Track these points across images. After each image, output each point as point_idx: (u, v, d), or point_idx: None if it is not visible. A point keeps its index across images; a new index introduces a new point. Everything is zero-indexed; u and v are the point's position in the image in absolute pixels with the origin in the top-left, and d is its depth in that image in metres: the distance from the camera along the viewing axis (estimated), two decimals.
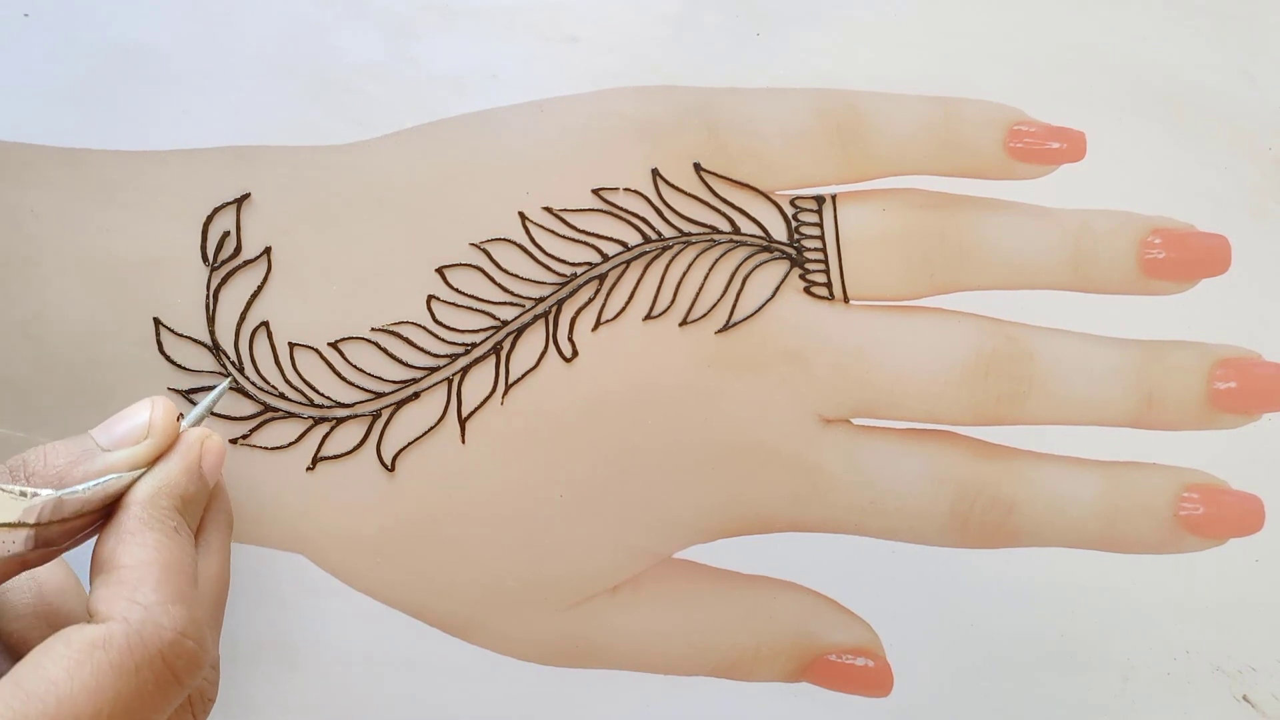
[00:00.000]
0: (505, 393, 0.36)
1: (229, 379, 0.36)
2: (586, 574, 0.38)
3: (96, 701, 0.25)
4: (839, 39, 0.38)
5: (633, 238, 0.37)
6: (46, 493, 0.29)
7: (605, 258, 0.37)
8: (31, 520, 0.28)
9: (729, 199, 0.37)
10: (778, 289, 0.37)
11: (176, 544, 0.29)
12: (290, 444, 0.37)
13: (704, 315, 0.37)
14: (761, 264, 0.37)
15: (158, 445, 0.30)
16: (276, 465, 0.36)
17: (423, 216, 0.37)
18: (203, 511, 0.31)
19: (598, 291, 0.37)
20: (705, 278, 0.37)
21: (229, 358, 0.37)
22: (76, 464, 0.29)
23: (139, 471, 0.30)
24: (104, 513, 0.30)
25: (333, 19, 0.37)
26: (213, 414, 0.37)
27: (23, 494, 0.28)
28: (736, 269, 0.37)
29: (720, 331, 0.37)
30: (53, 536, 0.29)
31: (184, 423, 0.32)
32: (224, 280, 0.37)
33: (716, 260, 0.37)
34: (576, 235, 0.37)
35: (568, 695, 0.38)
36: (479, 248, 0.37)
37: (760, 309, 0.37)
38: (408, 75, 0.37)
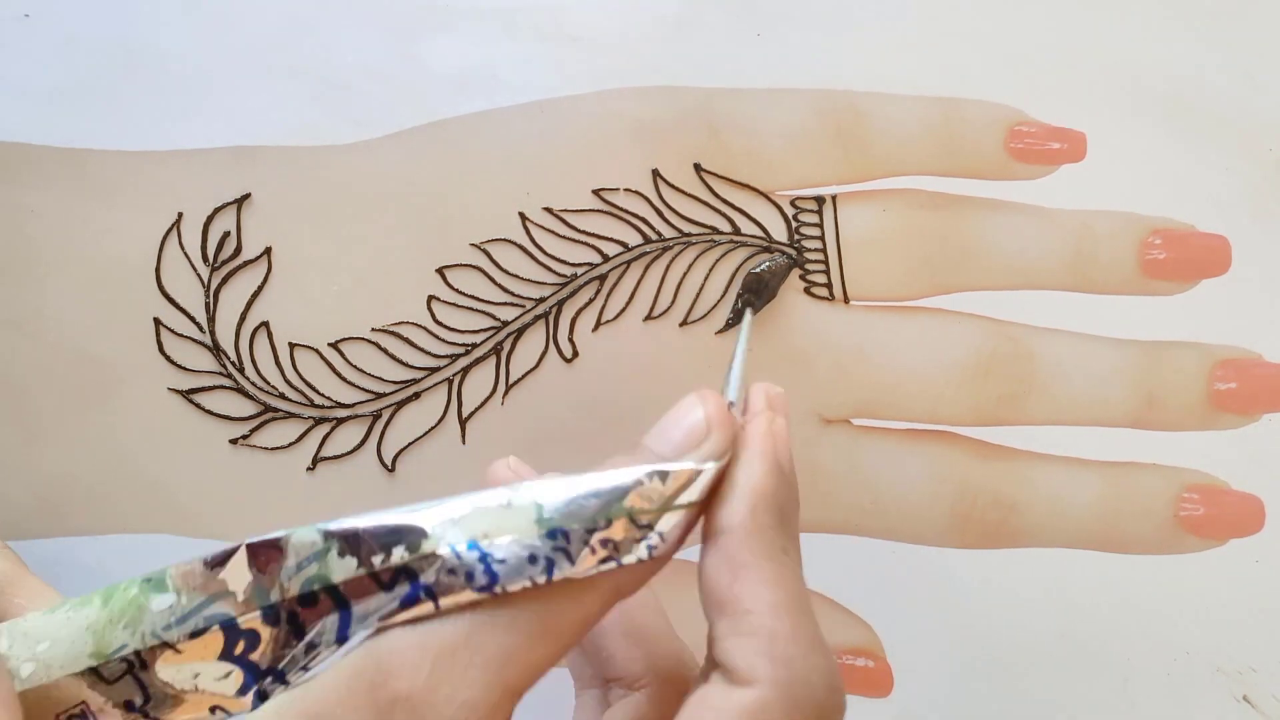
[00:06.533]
0: (506, 393, 0.36)
1: (749, 314, 0.35)
2: None
3: None
4: (839, 39, 0.38)
5: (633, 238, 0.37)
6: (710, 465, 0.24)
7: (605, 258, 0.37)
8: (694, 498, 0.24)
9: (729, 199, 0.37)
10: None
11: (791, 572, 0.25)
12: (290, 444, 0.36)
13: (704, 316, 0.37)
14: None
15: (726, 436, 0.25)
16: (277, 466, 0.36)
17: (423, 216, 0.37)
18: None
19: (598, 292, 0.37)
20: (705, 278, 0.37)
21: (229, 358, 0.37)
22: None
23: (723, 461, 0.25)
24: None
25: (333, 19, 0.37)
26: (211, 414, 0.37)
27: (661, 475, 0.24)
28: (737, 270, 0.37)
29: (720, 332, 0.37)
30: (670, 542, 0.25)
31: (730, 401, 0.27)
32: (224, 280, 0.37)
33: (717, 261, 0.37)
34: (577, 235, 0.37)
35: (568, 696, 0.38)
36: (479, 248, 0.37)
37: (760, 310, 0.37)
38: (408, 75, 0.37)
